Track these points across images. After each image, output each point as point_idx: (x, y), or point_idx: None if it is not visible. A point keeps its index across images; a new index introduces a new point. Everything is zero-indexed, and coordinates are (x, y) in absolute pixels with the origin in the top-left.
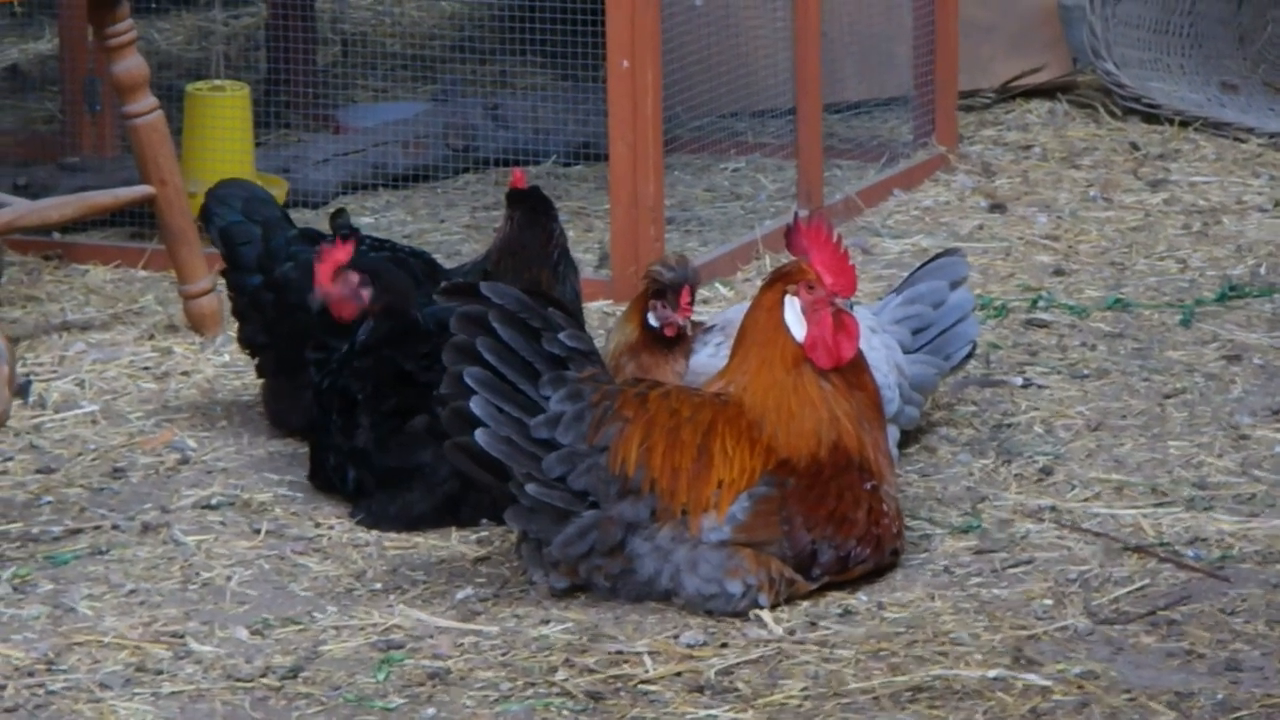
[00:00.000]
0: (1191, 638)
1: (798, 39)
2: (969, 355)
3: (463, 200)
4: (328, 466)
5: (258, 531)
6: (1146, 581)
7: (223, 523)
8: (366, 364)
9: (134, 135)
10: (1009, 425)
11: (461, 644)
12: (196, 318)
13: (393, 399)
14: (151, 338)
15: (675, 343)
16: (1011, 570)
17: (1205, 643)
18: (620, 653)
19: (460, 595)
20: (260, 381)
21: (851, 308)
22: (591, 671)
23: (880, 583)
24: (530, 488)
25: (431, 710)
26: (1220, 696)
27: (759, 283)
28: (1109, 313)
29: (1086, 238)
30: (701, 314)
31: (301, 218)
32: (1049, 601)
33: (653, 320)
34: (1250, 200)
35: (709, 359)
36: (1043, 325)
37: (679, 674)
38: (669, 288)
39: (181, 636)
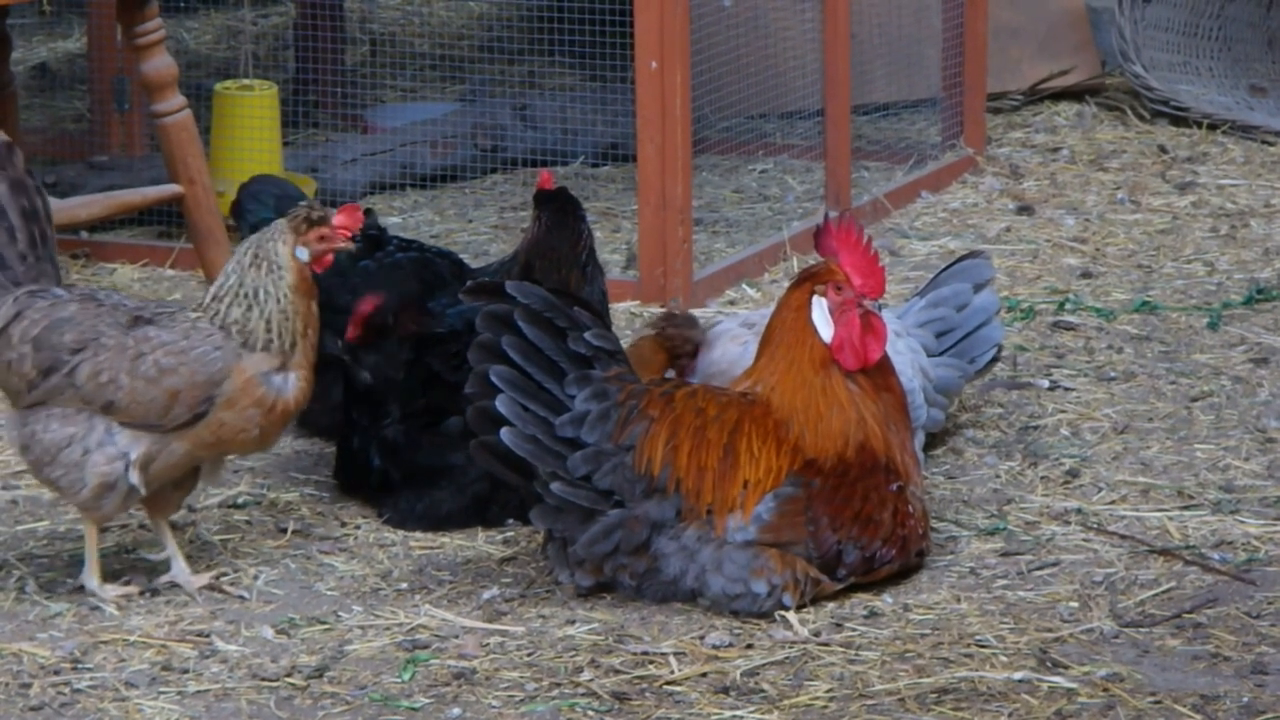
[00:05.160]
0: (1217, 641)
1: (826, 41)
2: (994, 359)
3: (490, 200)
4: (352, 450)
5: (284, 531)
6: (1172, 584)
7: (249, 522)
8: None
9: (162, 134)
10: (1035, 428)
11: (487, 644)
12: None
13: (422, 398)
14: None
15: None
16: (1037, 572)
17: (1231, 646)
18: (645, 653)
19: (486, 595)
20: None
21: (880, 310)
22: (617, 672)
23: (906, 584)
24: (555, 486)
25: (457, 710)
26: (1246, 699)
27: (786, 284)
28: (1136, 315)
29: (1114, 240)
30: (723, 314)
31: None
32: (1075, 604)
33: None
34: (1278, 203)
35: (719, 356)
36: (1070, 328)
37: (704, 675)
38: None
39: (207, 635)
